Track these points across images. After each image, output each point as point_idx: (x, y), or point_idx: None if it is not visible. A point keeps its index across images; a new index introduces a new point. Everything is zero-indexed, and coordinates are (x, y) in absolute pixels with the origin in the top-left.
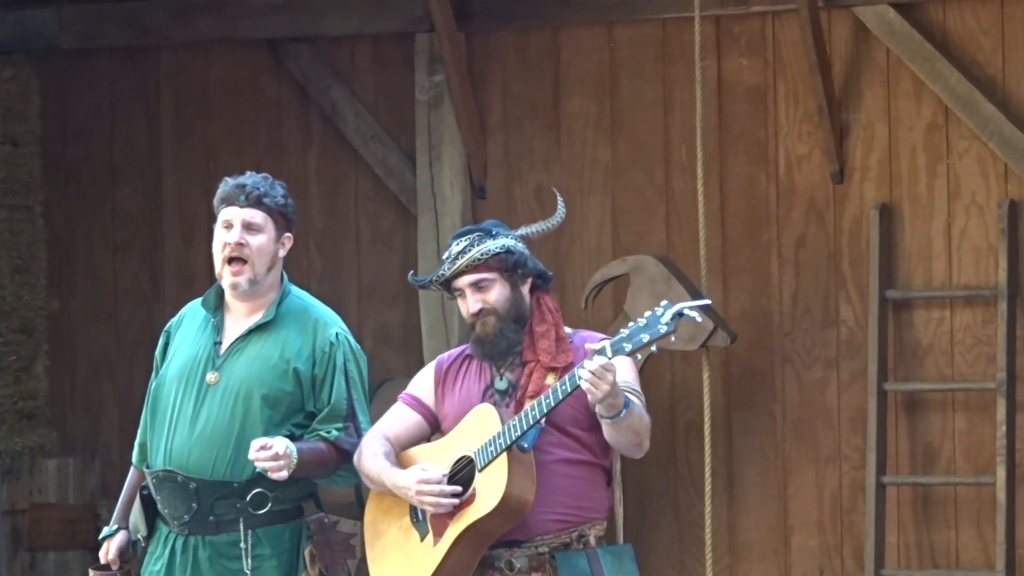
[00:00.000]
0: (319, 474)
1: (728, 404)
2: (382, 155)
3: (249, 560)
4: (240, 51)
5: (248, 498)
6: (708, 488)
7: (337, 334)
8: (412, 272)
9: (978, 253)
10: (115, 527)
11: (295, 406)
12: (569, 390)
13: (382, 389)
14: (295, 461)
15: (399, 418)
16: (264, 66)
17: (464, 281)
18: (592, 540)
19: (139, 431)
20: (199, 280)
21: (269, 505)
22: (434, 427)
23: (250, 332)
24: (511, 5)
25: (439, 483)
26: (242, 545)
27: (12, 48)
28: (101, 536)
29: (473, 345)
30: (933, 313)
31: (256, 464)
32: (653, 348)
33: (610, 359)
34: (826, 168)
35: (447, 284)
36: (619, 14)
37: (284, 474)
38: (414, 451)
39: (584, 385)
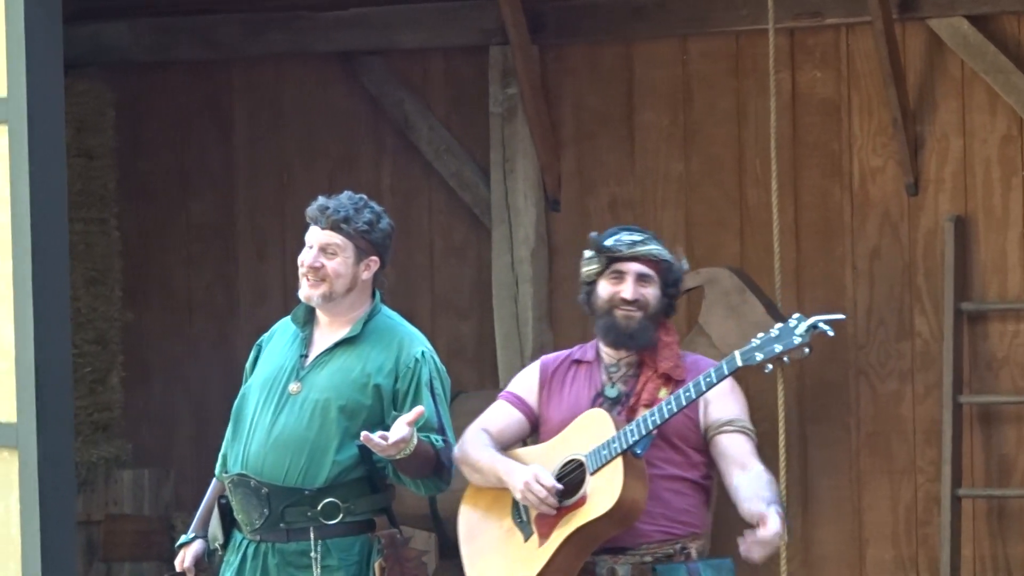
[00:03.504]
0: (417, 472)
1: (802, 417)
2: (455, 168)
3: (318, 570)
4: (312, 64)
5: (319, 507)
6: (783, 501)
7: (423, 352)
8: (595, 232)
9: None
10: (192, 535)
11: (373, 419)
12: (694, 396)
13: (456, 403)
14: (412, 447)
15: (500, 415)
16: (337, 79)
17: (633, 267)
18: (693, 554)
19: (224, 443)
20: (272, 293)
21: (340, 516)
22: (534, 427)
23: (335, 346)
24: (584, 18)
25: (553, 484)
26: (312, 555)
27: (86, 61)
28: (178, 544)
29: (605, 331)
30: (1008, 325)
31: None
32: (785, 359)
33: (739, 367)
34: (900, 180)
35: (610, 259)
36: (692, 27)
37: (393, 452)
38: (521, 452)
39: (743, 551)
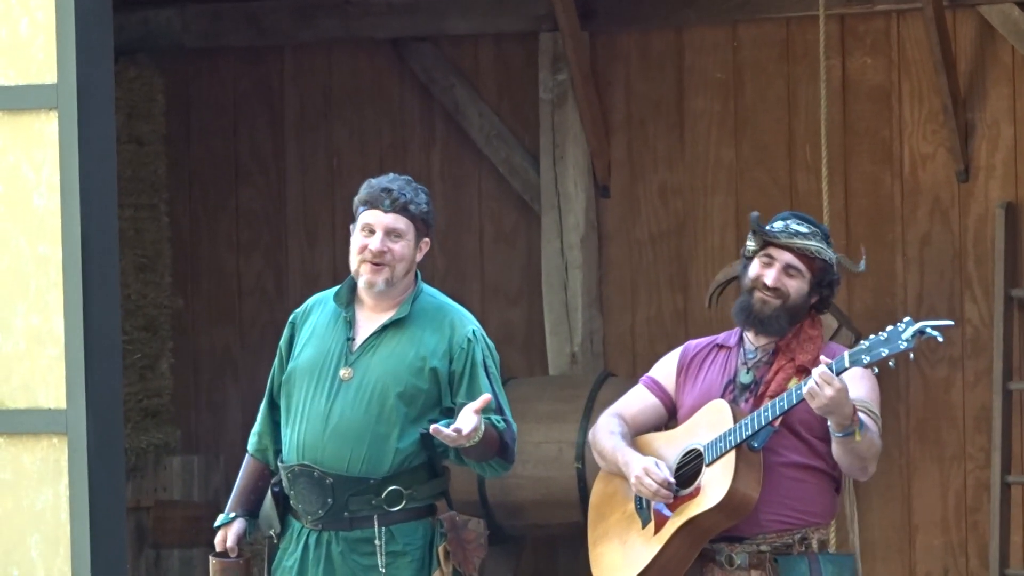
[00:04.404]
0: (482, 455)
1: None
2: (505, 154)
3: (383, 557)
4: (363, 51)
5: (383, 495)
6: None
7: (474, 331)
8: (756, 214)
9: None
10: (232, 515)
11: (431, 403)
12: (804, 395)
13: (505, 388)
14: (481, 433)
15: (637, 400)
16: (387, 66)
17: (785, 256)
18: (815, 544)
19: (258, 420)
20: (323, 280)
21: (404, 503)
22: (671, 412)
23: (384, 328)
24: (634, 5)
25: (664, 477)
26: (376, 542)
27: (136, 48)
28: (217, 524)
29: (739, 309)
30: None
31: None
32: (891, 363)
33: (847, 368)
34: (951, 167)
35: (766, 242)
36: (743, 13)
37: (464, 442)
38: (647, 438)
39: (805, 390)
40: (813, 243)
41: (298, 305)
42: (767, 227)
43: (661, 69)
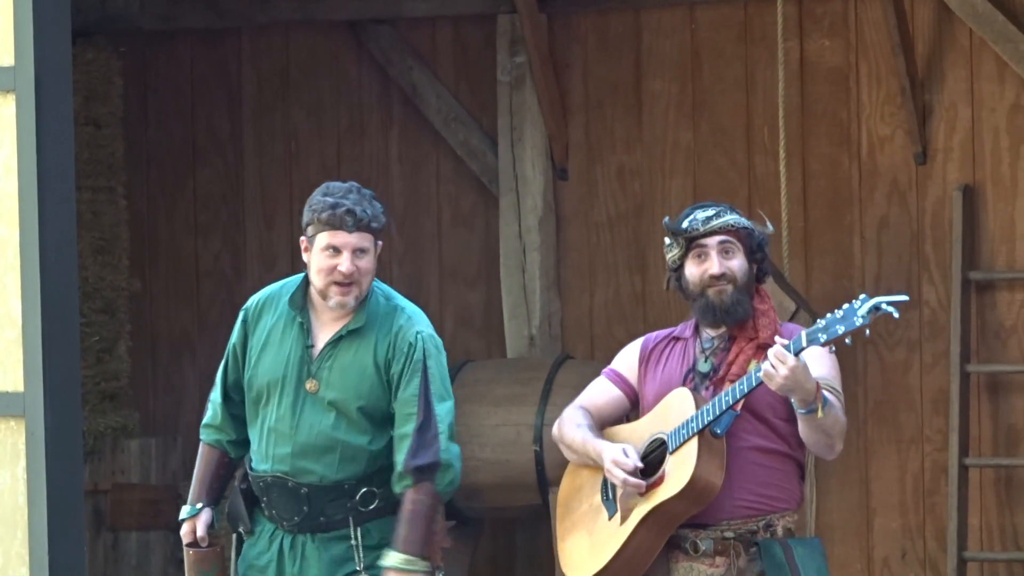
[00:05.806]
0: (436, 516)
1: None
2: (463, 136)
3: (360, 551)
4: (321, 33)
5: (358, 497)
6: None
7: (418, 333)
8: (667, 218)
9: None
10: (198, 506)
11: (384, 407)
12: (762, 376)
13: (463, 371)
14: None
15: (600, 392)
16: (345, 48)
17: (714, 240)
18: (780, 531)
19: (211, 413)
20: (280, 262)
21: (377, 502)
22: (633, 404)
23: (340, 338)
24: None
25: (634, 465)
26: (352, 542)
27: (94, 30)
28: (183, 517)
29: (702, 312)
30: (1016, 294)
31: None
32: (847, 340)
33: (804, 348)
34: (909, 149)
35: (690, 240)
36: None
37: None
38: (613, 430)
39: (761, 372)
40: (729, 217)
41: (255, 287)
42: (683, 226)
43: (619, 51)
